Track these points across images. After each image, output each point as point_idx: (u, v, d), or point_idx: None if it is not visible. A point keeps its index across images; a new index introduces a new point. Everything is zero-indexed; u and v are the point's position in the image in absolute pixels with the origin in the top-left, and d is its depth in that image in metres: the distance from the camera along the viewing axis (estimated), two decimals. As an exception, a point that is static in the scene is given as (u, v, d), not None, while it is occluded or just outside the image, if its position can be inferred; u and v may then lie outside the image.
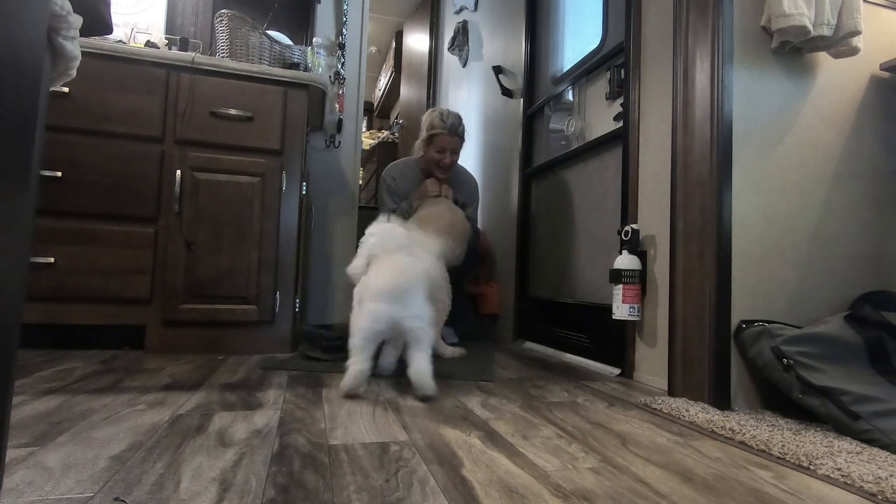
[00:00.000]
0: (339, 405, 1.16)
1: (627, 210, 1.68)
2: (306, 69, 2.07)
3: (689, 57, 1.42)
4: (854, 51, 1.37)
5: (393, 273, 1.29)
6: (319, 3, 2.45)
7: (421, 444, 0.90)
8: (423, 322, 1.27)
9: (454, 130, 2.10)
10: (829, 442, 0.99)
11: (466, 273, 2.13)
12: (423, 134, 2.15)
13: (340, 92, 2.41)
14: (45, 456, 0.78)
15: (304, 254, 2.09)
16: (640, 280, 1.56)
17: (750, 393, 1.29)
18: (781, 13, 1.28)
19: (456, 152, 2.15)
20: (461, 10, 3.56)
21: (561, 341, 2.09)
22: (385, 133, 5.27)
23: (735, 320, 1.29)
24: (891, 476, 0.81)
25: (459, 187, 2.27)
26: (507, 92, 2.77)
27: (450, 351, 1.86)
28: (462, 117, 2.19)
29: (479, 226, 2.81)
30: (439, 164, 2.13)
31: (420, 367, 1.23)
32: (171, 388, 1.24)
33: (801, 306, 1.35)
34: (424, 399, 1.23)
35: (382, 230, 1.41)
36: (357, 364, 1.23)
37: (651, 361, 1.54)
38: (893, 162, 1.48)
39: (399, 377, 1.50)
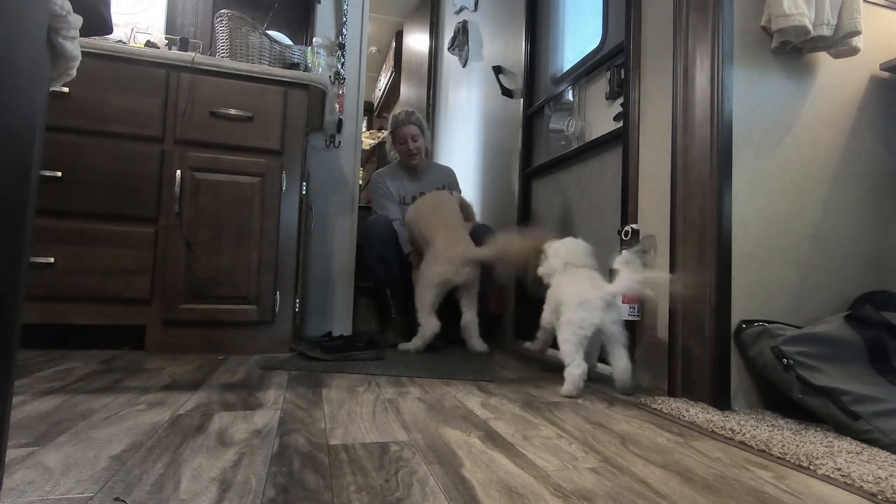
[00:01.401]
0: (339, 405, 1.16)
1: (627, 210, 1.67)
2: (306, 69, 2.07)
3: (689, 57, 1.42)
4: (854, 51, 1.37)
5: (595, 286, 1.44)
6: (319, 3, 2.45)
7: (421, 444, 0.90)
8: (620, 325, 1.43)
9: (406, 121, 2.29)
10: (829, 442, 0.99)
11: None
12: (388, 136, 2.38)
13: (340, 92, 2.41)
14: (45, 456, 0.78)
15: (303, 254, 2.09)
16: (640, 280, 1.56)
17: (750, 393, 1.29)
18: (781, 13, 1.28)
19: (416, 139, 2.32)
20: (461, 10, 3.56)
21: (561, 341, 2.09)
22: (385, 133, 5.27)
23: (735, 320, 1.29)
24: (891, 476, 0.81)
25: (440, 180, 2.41)
26: (507, 92, 2.77)
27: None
28: (415, 111, 2.37)
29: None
30: (406, 154, 2.32)
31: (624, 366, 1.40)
32: (171, 388, 1.24)
33: (801, 306, 1.35)
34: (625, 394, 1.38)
35: (573, 242, 1.62)
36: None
37: (651, 361, 1.54)
38: (893, 162, 1.48)
39: (399, 376, 1.50)
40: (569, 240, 1.64)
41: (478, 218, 2.90)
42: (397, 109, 2.39)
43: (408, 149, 2.29)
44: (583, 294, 1.40)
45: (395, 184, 2.35)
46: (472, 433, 0.98)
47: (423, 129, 2.34)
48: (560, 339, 1.41)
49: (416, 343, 1.94)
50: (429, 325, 1.90)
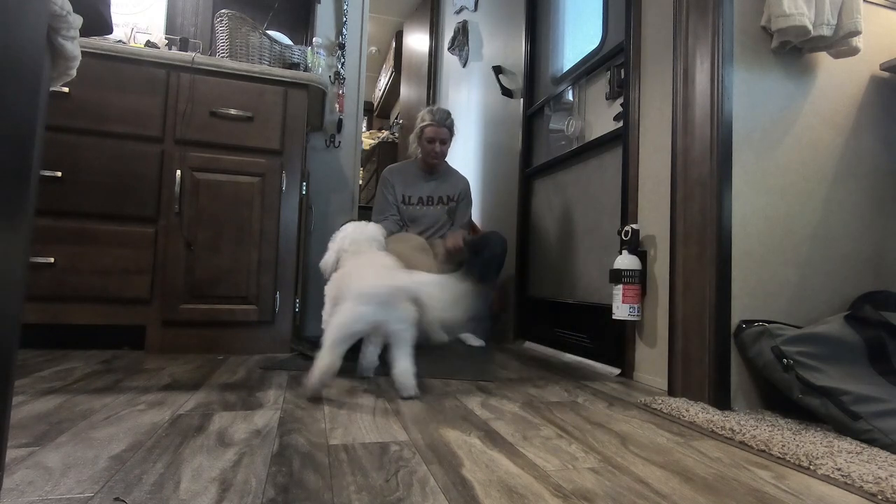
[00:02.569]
0: (339, 405, 1.16)
1: (627, 210, 1.67)
2: (306, 69, 2.07)
3: (689, 57, 1.42)
4: (854, 51, 1.37)
5: (377, 276, 1.28)
6: (319, 3, 2.45)
7: (421, 444, 0.90)
8: (406, 324, 1.26)
9: (442, 122, 2.24)
10: (829, 442, 0.99)
11: (490, 280, 2.18)
12: (416, 128, 2.29)
13: (340, 92, 2.41)
14: (45, 456, 0.78)
15: (304, 254, 2.09)
16: (640, 280, 1.56)
17: (750, 393, 1.29)
18: (781, 13, 1.28)
19: (445, 143, 2.27)
20: (461, 10, 3.56)
21: (561, 341, 2.09)
22: (385, 133, 5.27)
23: (735, 320, 1.29)
24: (891, 476, 0.81)
25: (453, 187, 2.33)
26: (507, 92, 2.77)
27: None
28: (451, 113, 2.30)
29: (479, 225, 2.82)
30: (430, 154, 2.26)
31: (402, 368, 1.25)
32: (171, 388, 1.24)
33: (801, 306, 1.35)
34: (408, 398, 1.24)
35: (354, 227, 1.51)
36: (326, 359, 1.17)
37: (651, 361, 1.54)
38: (893, 162, 1.48)
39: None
40: (352, 224, 1.54)
41: (479, 221, 2.91)
42: (428, 108, 2.32)
43: (433, 149, 2.24)
44: (365, 284, 1.25)
45: (405, 181, 2.31)
46: (472, 433, 0.98)
47: (452, 133, 2.31)
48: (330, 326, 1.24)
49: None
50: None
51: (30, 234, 0.55)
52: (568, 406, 1.24)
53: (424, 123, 2.25)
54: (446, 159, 2.39)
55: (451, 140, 2.31)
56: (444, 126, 2.24)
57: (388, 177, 2.33)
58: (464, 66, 3.52)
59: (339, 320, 1.21)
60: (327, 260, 1.49)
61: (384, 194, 2.30)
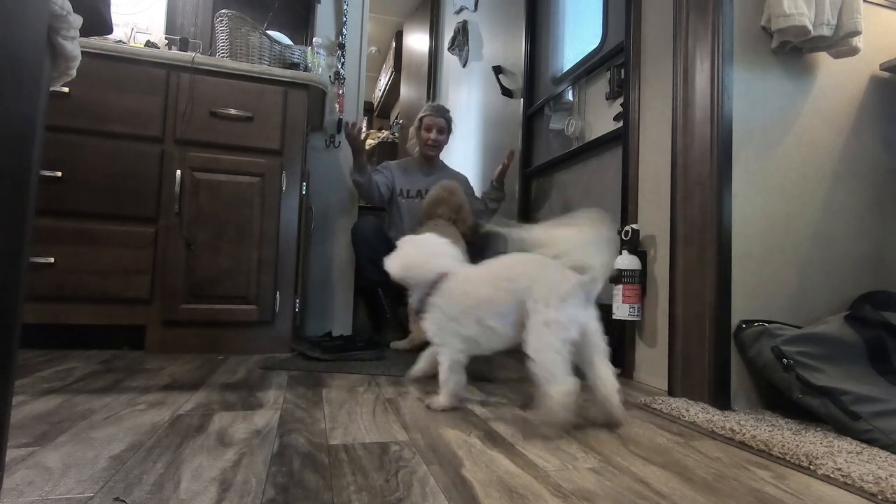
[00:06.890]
0: (339, 405, 1.16)
1: (627, 210, 1.67)
2: (306, 69, 2.07)
3: (689, 57, 1.42)
4: (854, 51, 1.37)
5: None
6: (319, 3, 2.45)
7: (421, 444, 0.90)
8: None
9: (438, 112, 2.35)
10: (829, 442, 0.99)
11: None
12: (416, 120, 2.40)
13: (340, 92, 2.41)
14: (45, 456, 0.78)
15: (304, 254, 2.09)
16: (640, 280, 1.56)
17: (750, 393, 1.29)
18: (781, 13, 1.28)
19: (442, 132, 2.36)
20: (461, 10, 3.56)
21: (561, 341, 2.09)
22: (385, 133, 5.27)
23: (735, 320, 1.29)
24: (891, 476, 0.81)
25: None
26: (507, 92, 2.77)
27: None
28: (449, 110, 2.40)
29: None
30: (427, 143, 2.35)
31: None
32: (171, 388, 1.24)
33: (801, 306, 1.35)
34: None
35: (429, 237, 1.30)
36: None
37: (651, 361, 1.54)
38: (893, 162, 1.48)
39: (399, 376, 1.50)
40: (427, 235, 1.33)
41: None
42: (427, 102, 2.50)
43: (429, 137, 2.33)
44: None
45: (404, 174, 2.37)
46: (472, 433, 0.98)
47: (450, 127, 2.40)
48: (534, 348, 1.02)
49: (404, 345, 1.93)
50: (418, 332, 1.88)
51: (30, 234, 0.55)
52: (568, 406, 1.24)
53: (423, 114, 2.35)
54: (444, 160, 2.42)
55: (448, 134, 2.39)
56: (442, 117, 2.33)
57: (388, 164, 2.42)
58: (464, 66, 3.52)
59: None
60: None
61: (378, 171, 2.36)
